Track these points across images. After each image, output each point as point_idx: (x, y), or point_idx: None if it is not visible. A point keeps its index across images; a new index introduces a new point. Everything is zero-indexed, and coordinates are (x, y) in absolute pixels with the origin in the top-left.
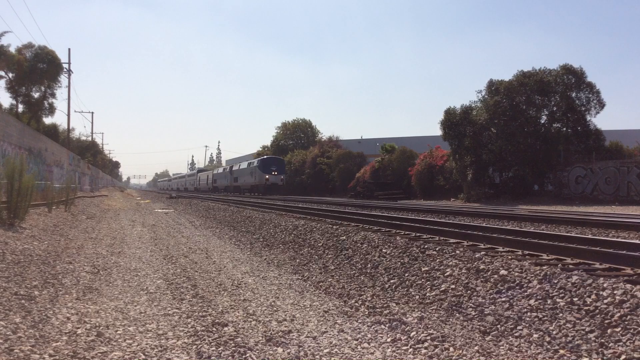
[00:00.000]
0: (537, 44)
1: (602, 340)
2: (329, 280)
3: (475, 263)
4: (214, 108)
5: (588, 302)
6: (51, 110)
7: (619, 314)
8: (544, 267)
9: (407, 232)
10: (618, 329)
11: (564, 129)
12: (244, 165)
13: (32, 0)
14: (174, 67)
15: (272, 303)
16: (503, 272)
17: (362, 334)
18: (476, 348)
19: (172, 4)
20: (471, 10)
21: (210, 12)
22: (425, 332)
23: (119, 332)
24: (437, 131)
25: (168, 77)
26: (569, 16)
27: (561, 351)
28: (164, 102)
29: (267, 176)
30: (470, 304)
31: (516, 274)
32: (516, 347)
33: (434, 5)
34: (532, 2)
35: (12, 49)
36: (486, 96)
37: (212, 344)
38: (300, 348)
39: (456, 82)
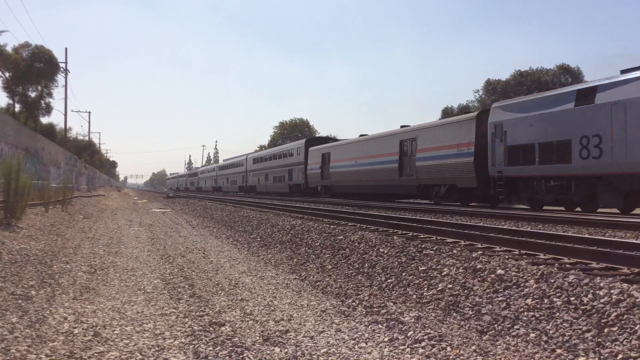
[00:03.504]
0: (537, 43)
1: (599, 340)
2: (327, 279)
3: (473, 262)
4: (213, 108)
5: (585, 302)
6: (48, 109)
7: (615, 313)
8: (541, 267)
9: (404, 232)
10: (615, 328)
11: None
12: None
13: (29, 0)
14: (173, 67)
15: (270, 303)
16: (500, 271)
17: (360, 333)
18: (473, 347)
19: (171, 4)
20: (471, 10)
21: (209, 12)
22: (422, 331)
23: (115, 332)
24: None
25: (167, 77)
26: (568, 16)
27: (558, 350)
28: (162, 102)
29: None
30: (468, 304)
31: (513, 273)
32: (513, 346)
33: (433, 5)
34: (532, 2)
35: (9, 48)
36: (483, 95)
37: (209, 343)
38: (298, 348)
39: (456, 81)
